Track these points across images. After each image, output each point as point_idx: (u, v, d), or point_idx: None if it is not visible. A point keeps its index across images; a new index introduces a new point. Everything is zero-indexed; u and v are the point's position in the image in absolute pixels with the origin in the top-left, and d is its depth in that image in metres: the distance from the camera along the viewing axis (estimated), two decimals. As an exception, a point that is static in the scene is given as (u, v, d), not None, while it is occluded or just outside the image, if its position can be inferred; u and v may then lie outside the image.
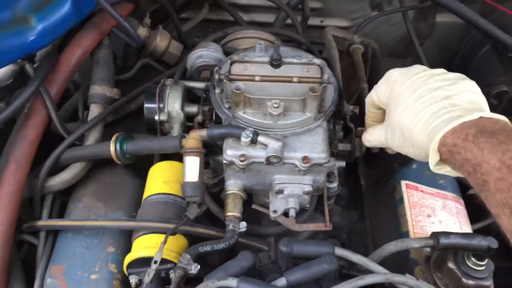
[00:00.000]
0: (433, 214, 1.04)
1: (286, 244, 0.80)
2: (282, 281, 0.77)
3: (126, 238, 0.99)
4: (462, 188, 1.13)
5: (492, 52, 1.45)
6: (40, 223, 1.01)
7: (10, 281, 0.95)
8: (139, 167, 1.13)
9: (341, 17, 1.66)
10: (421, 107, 0.79)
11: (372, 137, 0.95)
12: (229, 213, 0.93)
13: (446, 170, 0.78)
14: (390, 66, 1.35)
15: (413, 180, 1.09)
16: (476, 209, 1.05)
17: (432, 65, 1.44)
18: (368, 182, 1.20)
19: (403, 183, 1.08)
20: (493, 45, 1.44)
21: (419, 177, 1.10)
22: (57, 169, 1.07)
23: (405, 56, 1.59)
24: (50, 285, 0.94)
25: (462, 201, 1.09)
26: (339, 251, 0.81)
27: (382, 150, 1.08)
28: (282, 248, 0.80)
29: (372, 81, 1.28)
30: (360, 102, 1.16)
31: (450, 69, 1.51)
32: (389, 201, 1.09)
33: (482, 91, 0.81)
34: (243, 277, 0.76)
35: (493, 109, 0.76)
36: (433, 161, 0.76)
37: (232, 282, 0.75)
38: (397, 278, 0.78)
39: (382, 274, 0.78)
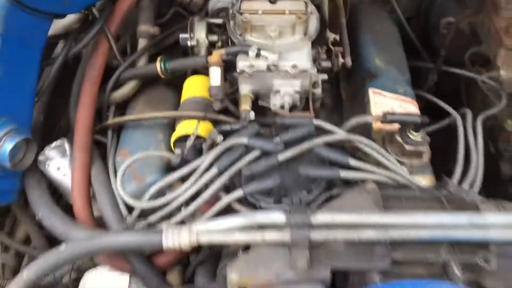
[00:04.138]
0: (391, 110, 1.41)
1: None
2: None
3: (171, 130, 1.40)
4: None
5: None
6: (110, 121, 1.43)
7: (93, 159, 1.36)
8: (176, 85, 1.53)
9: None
10: None
11: None
12: (242, 107, 1.33)
13: None
14: (368, 8, 1.74)
15: (379, 88, 1.47)
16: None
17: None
18: (346, 93, 1.59)
19: (370, 90, 1.45)
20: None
21: (383, 86, 1.48)
22: (117, 86, 1.48)
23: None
24: (119, 160, 1.35)
25: (416, 103, 1.46)
26: (317, 122, 1.20)
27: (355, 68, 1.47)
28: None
29: (351, 20, 1.65)
30: (340, 34, 1.54)
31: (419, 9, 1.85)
32: (361, 105, 1.48)
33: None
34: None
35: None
36: None
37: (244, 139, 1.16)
38: (353, 137, 1.17)
39: (342, 133, 1.18)
